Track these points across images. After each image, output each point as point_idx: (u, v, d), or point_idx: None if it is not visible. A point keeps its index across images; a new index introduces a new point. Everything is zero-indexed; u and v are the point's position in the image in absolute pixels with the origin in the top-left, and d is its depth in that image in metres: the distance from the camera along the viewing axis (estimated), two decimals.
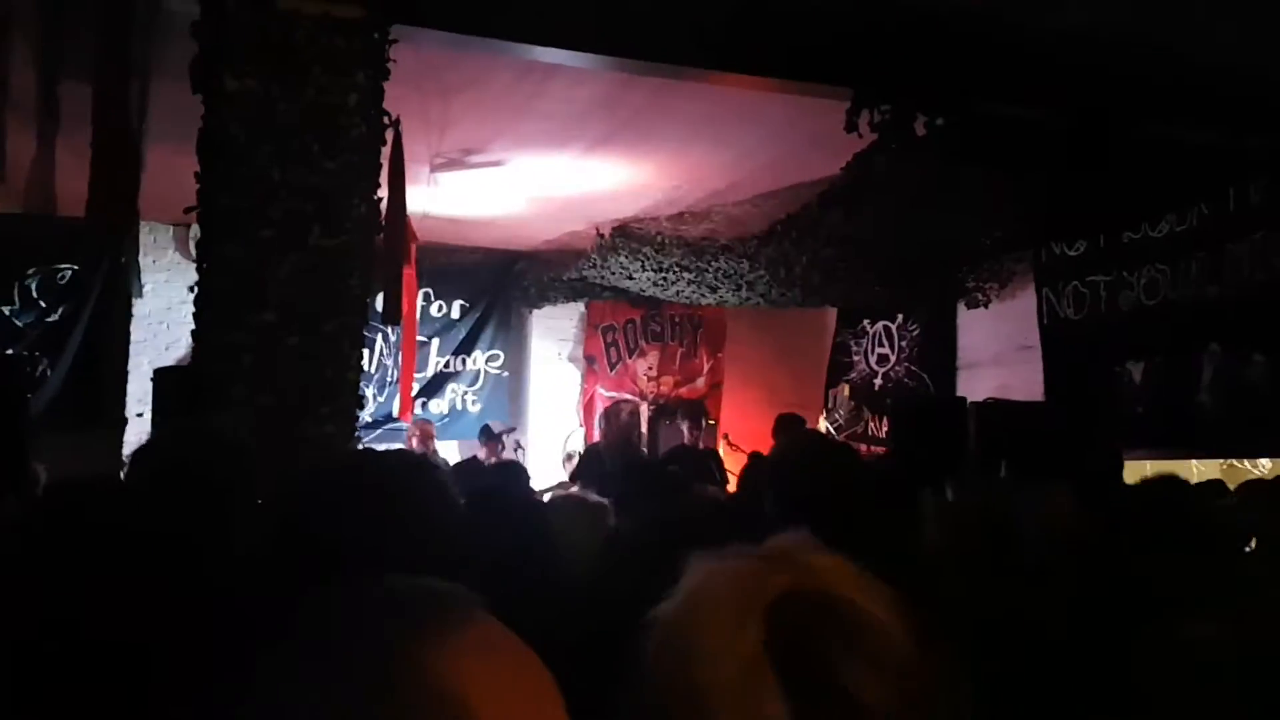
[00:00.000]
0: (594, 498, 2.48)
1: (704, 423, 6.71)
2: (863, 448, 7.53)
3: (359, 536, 1.11)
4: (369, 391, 7.51)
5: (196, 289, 3.09)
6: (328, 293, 3.03)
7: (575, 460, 7.35)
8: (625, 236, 6.82)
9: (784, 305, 7.58)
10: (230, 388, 2.86)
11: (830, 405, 8.16)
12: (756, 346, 8.73)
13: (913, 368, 7.71)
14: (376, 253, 3.66)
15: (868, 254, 5.98)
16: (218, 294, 2.98)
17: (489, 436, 6.75)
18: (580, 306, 8.61)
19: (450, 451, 7.82)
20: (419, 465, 1.28)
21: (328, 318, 3.02)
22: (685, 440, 6.75)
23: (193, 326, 3.08)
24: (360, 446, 3.40)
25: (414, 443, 6.45)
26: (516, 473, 3.42)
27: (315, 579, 0.98)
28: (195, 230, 3.38)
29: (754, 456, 3.76)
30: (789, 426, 5.98)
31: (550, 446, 8.31)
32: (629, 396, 8.64)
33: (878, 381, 8.04)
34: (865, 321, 8.20)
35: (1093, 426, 5.21)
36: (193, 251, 7.21)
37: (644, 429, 6.68)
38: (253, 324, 2.87)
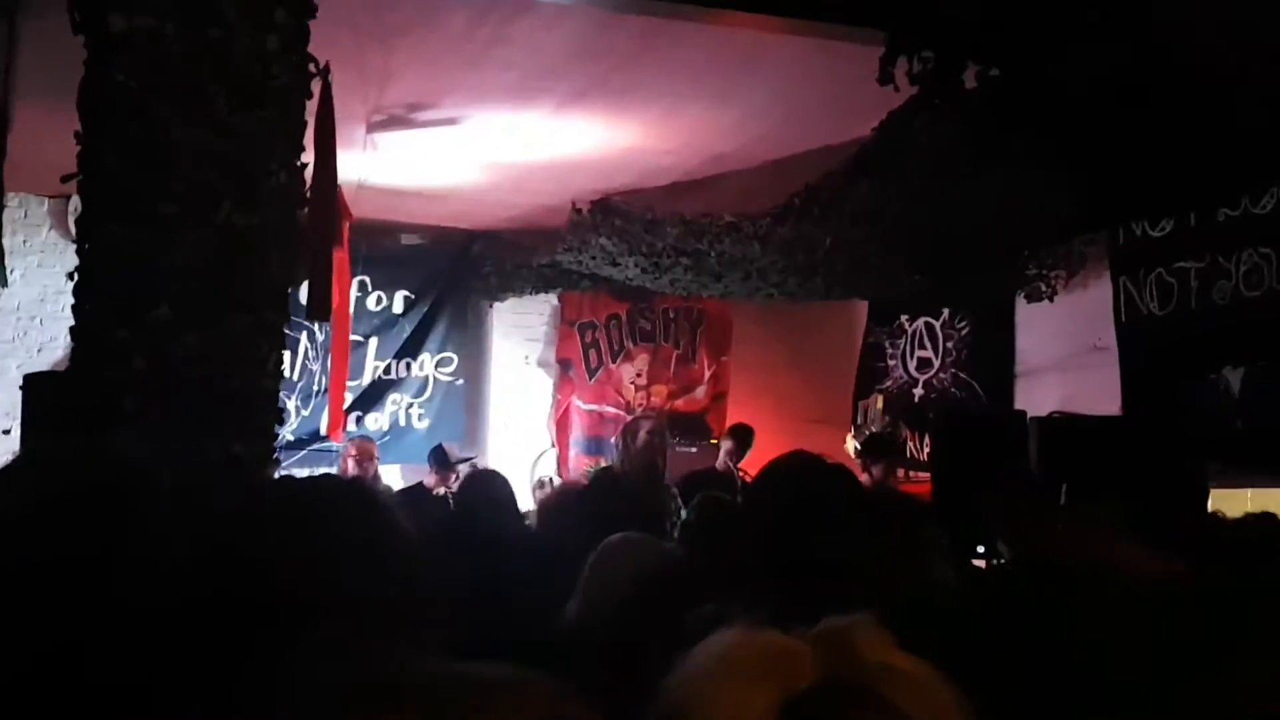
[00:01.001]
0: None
1: (741, 446, 6.73)
2: (899, 473, 7.57)
3: (294, 585, 1.13)
4: (290, 404, 7.52)
5: (77, 275, 3.07)
6: (239, 281, 3.02)
7: (547, 488, 7.33)
8: (607, 213, 6.85)
9: (803, 298, 7.61)
10: (118, 398, 2.84)
11: (860, 420, 8.20)
12: (769, 349, 8.79)
13: (961, 374, 7.78)
14: (300, 232, 3.65)
15: (905, 235, 5.99)
16: (103, 282, 2.96)
17: (441, 463, 6.73)
18: (552, 299, 8.64)
19: (391, 477, 7.81)
20: (361, 494, 1.29)
21: (239, 312, 3.01)
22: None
23: (72, 322, 3.07)
24: (280, 473, 3.40)
25: (349, 464, 6.43)
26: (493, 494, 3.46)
27: (245, 639, 1.03)
28: (76, 203, 3.36)
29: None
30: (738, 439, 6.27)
31: (515, 472, 8.29)
32: (612, 409, 8.65)
33: (918, 391, 8.10)
34: (903, 318, 8.26)
35: (1180, 448, 5.24)
36: (72, 229, 7.14)
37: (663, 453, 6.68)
38: (146, 320, 2.86)
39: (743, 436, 6.90)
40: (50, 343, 7.17)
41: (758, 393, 8.72)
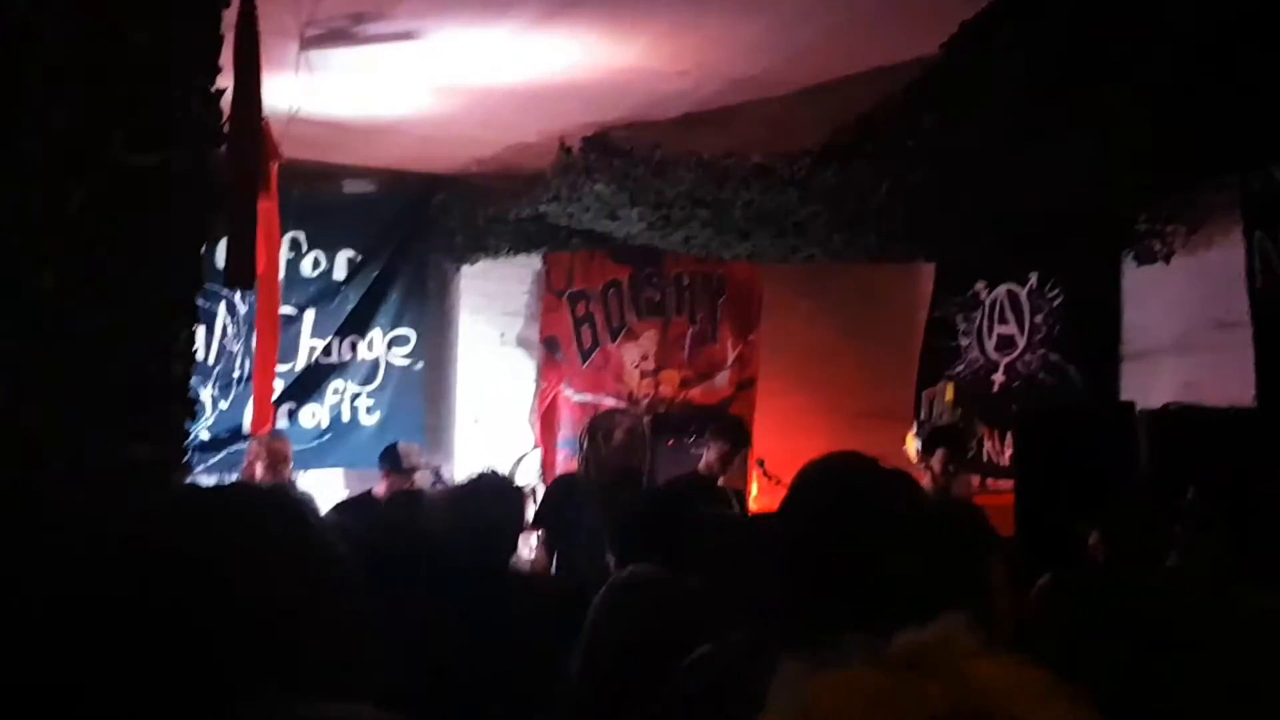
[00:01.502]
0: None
1: (734, 447, 6.76)
2: (974, 480, 7.56)
3: (215, 627, 1.18)
4: (206, 394, 7.53)
5: None
6: (139, 239, 3.02)
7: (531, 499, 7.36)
8: (605, 152, 6.83)
9: (852, 259, 7.58)
10: None
11: (924, 415, 8.20)
12: (809, 324, 8.80)
13: (1052, 356, 7.75)
14: (215, 176, 3.65)
15: (982, 179, 5.96)
16: None
17: (393, 464, 6.73)
18: (535, 262, 8.66)
19: (333, 486, 7.83)
20: (285, 505, 1.30)
21: (140, 279, 3.01)
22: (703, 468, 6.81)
23: None
24: (189, 479, 3.40)
25: (257, 469, 6.42)
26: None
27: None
28: None
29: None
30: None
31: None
32: (611, 400, 8.66)
33: (998, 377, 8.07)
34: (979, 285, 8.25)
35: None
36: None
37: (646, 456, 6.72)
38: (21, 290, 2.85)
39: (735, 434, 6.95)
40: None
41: (794, 380, 8.75)
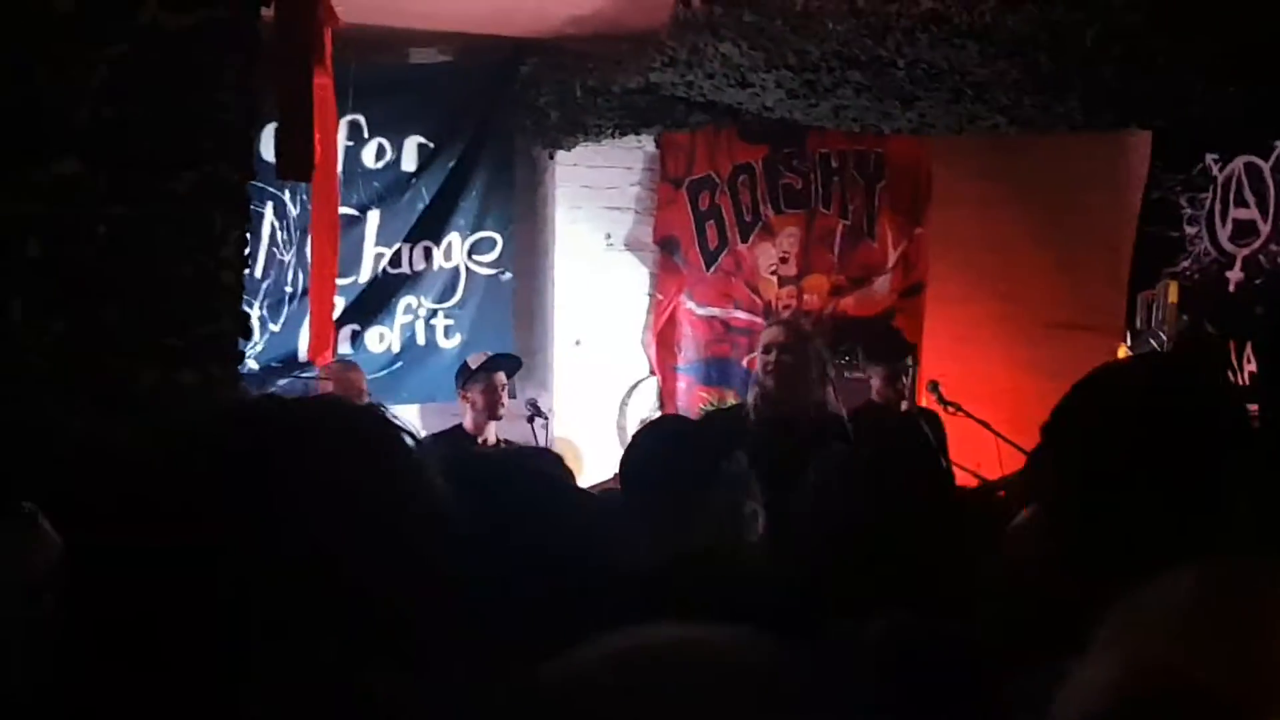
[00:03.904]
0: None
1: (901, 368, 6.68)
2: None
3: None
4: (253, 313, 7.62)
5: None
6: (175, 116, 3.03)
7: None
8: (731, 2, 6.77)
9: (1047, 128, 7.48)
10: (1, 300, 2.88)
11: (1140, 323, 8.05)
12: (991, 213, 8.70)
13: None
14: (264, 44, 3.65)
15: (1219, 18, 5.82)
16: None
17: (467, 379, 6.83)
18: (647, 144, 8.61)
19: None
20: (384, 428, 1.29)
21: (178, 166, 3.03)
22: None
23: None
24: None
25: None
26: None
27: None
28: None
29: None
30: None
31: (596, 412, 8.36)
32: (744, 314, 8.61)
33: (1234, 275, 7.99)
34: (1209, 159, 8.12)
35: None
36: None
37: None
38: (42, 180, 2.87)
39: (888, 349, 6.88)
40: None
41: (972, 283, 8.67)
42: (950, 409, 7.04)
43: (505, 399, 6.92)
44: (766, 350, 5.81)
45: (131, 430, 2.00)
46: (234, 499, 1.22)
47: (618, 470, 4.09)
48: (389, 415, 1.40)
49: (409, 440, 1.39)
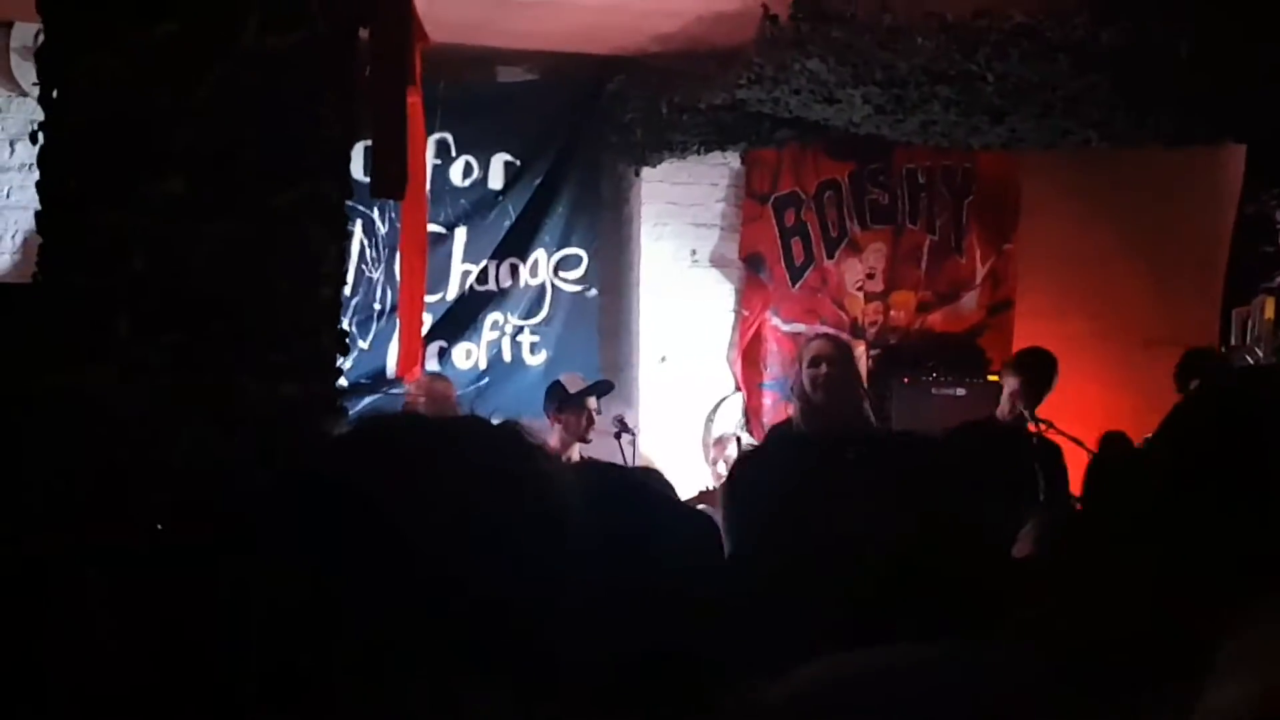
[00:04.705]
0: None
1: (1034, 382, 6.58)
2: None
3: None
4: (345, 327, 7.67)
5: (40, 138, 3.14)
6: (277, 135, 3.06)
7: (731, 449, 7.26)
8: (820, 19, 6.75)
9: (1140, 143, 7.44)
10: (106, 317, 2.91)
11: (1235, 341, 7.95)
12: (1081, 228, 8.64)
13: None
14: (360, 64, 3.68)
15: None
16: (79, 145, 3.01)
17: (562, 402, 6.81)
18: (733, 161, 8.63)
19: None
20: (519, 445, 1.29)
21: (279, 184, 3.05)
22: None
23: (32, 206, 3.13)
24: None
25: None
26: None
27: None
28: (27, 33, 3.40)
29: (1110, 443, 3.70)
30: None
31: (681, 428, 8.36)
32: (830, 329, 8.59)
33: None
34: None
35: None
36: (16, 73, 7.30)
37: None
38: (146, 197, 2.91)
39: (1038, 368, 6.75)
40: None
41: (1062, 300, 8.61)
42: (1043, 426, 6.97)
43: (595, 424, 6.91)
44: (814, 364, 5.79)
45: (250, 448, 2.04)
46: (359, 524, 1.23)
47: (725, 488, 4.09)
48: (525, 430, 1.40)
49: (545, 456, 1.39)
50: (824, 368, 5.76)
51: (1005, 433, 6.40)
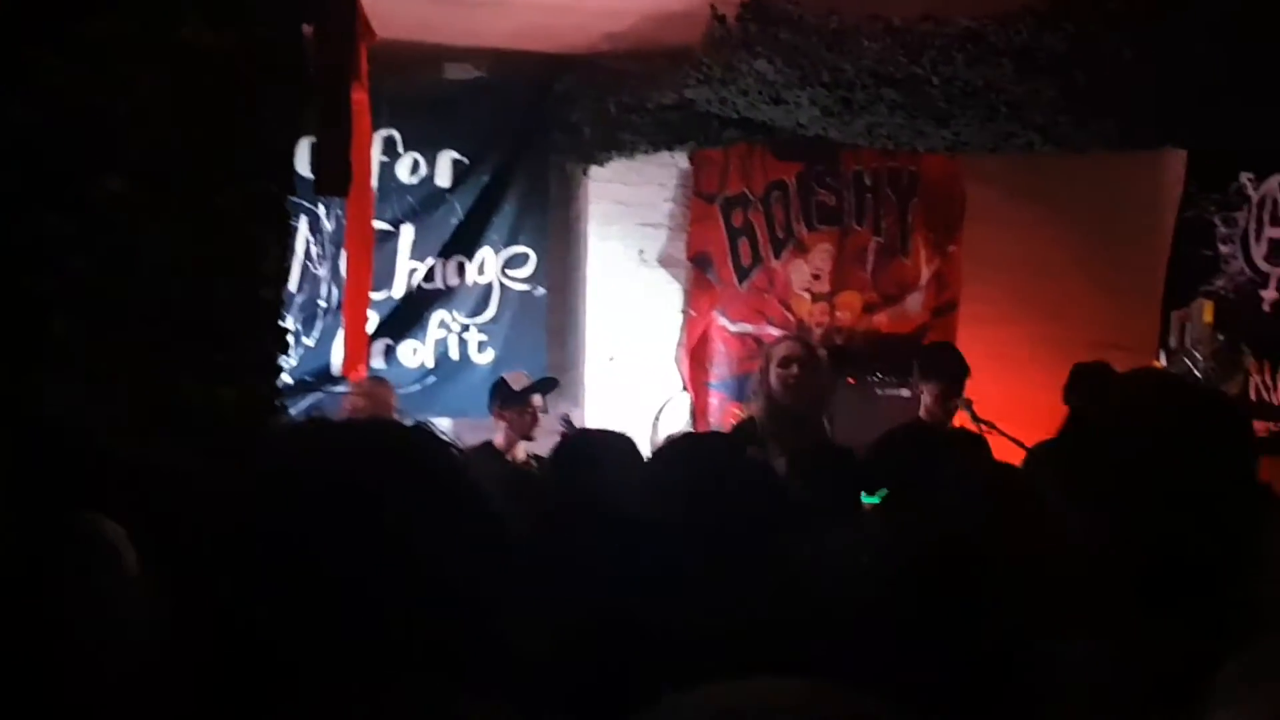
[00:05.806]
0: None
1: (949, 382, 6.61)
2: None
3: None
4: (289, 325, 7.63)
5: None
6: (217, 134, 3.04)
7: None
8: (768, 20, 6.78)
9: (1083, 147, 7.48)
10: (43, 317, 2.89)
11: (1174, 344, 8.01)
12: (1026, 232, 8.65)
13: None
14: (302, 58, 3.66)
15: (1257, 36, 5.83)
16: (17, 145, 2.99)
17: (506, 400, 6.81)
18: (681, 161, 8.58)
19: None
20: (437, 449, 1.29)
21: (219, 182, 3.04)
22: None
23: None
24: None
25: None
26: None
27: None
28: None
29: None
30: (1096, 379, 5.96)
31: (628, 427, 8.29)
32: (776, 331, 8.60)
33: (1269, 294, 8.03)
34: (1245, 178, 8.13)
35: None
36: None
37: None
38: (85, 198, 2.88)
39: (947, 366, 6.80)
40: None
41: (1005, 302, 8.59)
42: (984, 427, 7.01)
43: (540, 422, 6.89)
44: (786, 364, 5.80)
45: (184, 450, 2.02)
46: (283, 526, 1.22)
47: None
48: (437, 431, 1.40)
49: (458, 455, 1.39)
50: (795, 369, 5.79)
51: (928, 430, 6.44)
